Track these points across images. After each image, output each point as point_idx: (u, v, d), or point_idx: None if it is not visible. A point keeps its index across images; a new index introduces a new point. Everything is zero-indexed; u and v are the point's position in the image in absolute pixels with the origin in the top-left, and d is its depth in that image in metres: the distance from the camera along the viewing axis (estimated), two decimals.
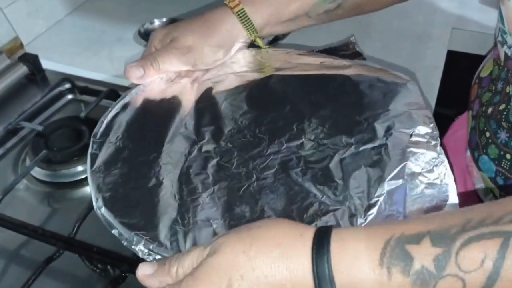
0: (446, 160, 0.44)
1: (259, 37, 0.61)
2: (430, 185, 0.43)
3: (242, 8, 0.59)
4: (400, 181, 0.43)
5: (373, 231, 0.36)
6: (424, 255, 0.33)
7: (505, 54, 0.54)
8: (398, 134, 0.46)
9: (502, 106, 0.54)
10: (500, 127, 0.54)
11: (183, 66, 0.58)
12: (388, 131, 0.47)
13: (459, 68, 0.81)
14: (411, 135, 0.46)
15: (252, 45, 0.63)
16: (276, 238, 0.36)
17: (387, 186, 0.43)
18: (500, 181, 0.56)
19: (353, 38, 0.65)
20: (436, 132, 0.46)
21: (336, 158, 0.46)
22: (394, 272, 0.33)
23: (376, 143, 0.46)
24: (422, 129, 0.46)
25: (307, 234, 0.36)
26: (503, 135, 0.54)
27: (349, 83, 0.53)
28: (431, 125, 0.46)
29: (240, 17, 0.59)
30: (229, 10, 0.59)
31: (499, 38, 0.55)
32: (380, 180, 0.43)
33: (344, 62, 0.57)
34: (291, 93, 0.54)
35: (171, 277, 0.38)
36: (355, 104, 0.50)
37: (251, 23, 0.59)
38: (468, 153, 0.63)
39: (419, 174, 0.43)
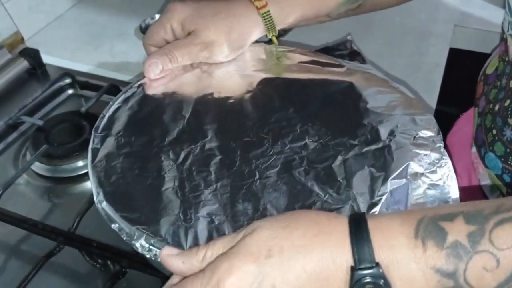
0: (449, 162, 0.44)
1: (276, 40, 0.61)
2: (432, 186, 0.43)
3: (269, 11, 0.58)
4: (403, 181, 0.43)
5: (406, 212, 0.37)
6: (458, 231, 0.34)
7: None
8: (402, 136, 0.47)
9: (507, 102, 0.54)
10: (506, 124, 0.54)
11: (198, 60, 0.58)
12: (392, 133, 0.47)
13: (461, 66, 0.81)
14: (414, 138, 0.46)
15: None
16: (313, 218, 0.37)
17: (390, 185, 0.43)
18: (507, 178, 0.56)
19: (350, 36, 0.65)
20: (440, 136, 0.46)
21: (339, 159, 0.46)
22: (429, 245, 0.34)
23: (380, 145, 0.46)
24: (426, 133, 0.46)
25: (342, 216, 0.37)
26: (508, 133, 0.54)
27: (353, 90, 0.53)
28: (435, 129, 0.47)
29: (265, 18, 0.59)
30: (253, 9, 0.59)
31: (510, 31, 0.54)
32: (383, 179, 0.43)
33: (348, 67, 0.57)
34: (295, 96, 0.54)
35: (197, 259, 0.37)
36: (359, 110, 0.51)
37: (274, 24, 0.59)
38: (474, 150, 0.63)
39: (422, 174, 0.43)
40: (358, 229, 0.35)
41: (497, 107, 0.56)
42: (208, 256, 0.37)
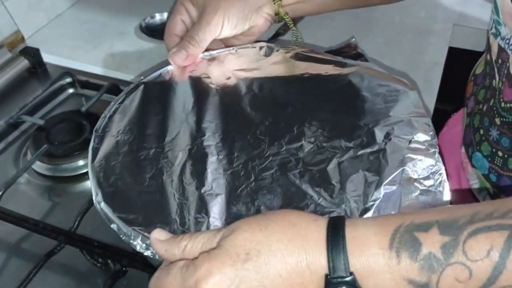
0: (443, 168, 0.44)
1: (284, 11, 0.62)
2: (425, 191, 0.43)
3: None
4: (396, 186, 0.43)
5: (383, 219, 0.37)
6: (432, 242, 0.34)
7: (499, 46, 0.54)
8: (397, 140, 0.47)
9: (492, 101, 0.54)
10: (492, 124, 0.54)
11: (216, 32, 0.59)
12: (387, 136, 0.47)
13: (460, 65, 0.81)
14: (410, 142, 0.46)
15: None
16: (291, 220, 0.37)
17: (384, 190, 0.43)
18: (493, 178, 0.56)
19: (354, 40, 0.65)
20: (435, 140, 0.46)
21: (334, 161, 0.46)
22: (403, 257, 0.34)
23: (375, 148, 0.47)
24: (422, 137, 0.47)
25: (321, 220, 0.37)
26: (494, 133, 0.54)
27: (351, 88, 0.53)
28: (431, 133, 0.47)
29: None
30: None
31: (493, 30, 0.54)
32: (377, 184, 0.44)
33: (348, 62, 0.57)
34: (293, 95, 0.54)
35: (178, 249, 0.39)
36: (356, 109, 0.51)
37: None
38: (463, 149, 0.63)
39: (415, 180, 0.44)
40: (335, 237, 0.35)
41: (485, 108, 0.56)
42: (188, 248, 0.38)
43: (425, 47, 0.82)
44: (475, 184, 0.62)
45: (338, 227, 0.36)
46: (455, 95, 0.75)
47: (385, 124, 0.48)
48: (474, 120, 0.59)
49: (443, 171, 0.44)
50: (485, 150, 0.56)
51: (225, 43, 0.63)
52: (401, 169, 0.44)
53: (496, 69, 0.54)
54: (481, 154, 0.57)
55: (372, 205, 0.42)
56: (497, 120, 0.53)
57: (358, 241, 0.35)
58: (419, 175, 0.44)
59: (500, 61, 0.54)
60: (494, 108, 0.53)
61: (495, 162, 0.55)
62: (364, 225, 0.36)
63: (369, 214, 0.42)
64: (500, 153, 0.54)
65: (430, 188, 0.43)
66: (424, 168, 0.44)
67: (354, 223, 0.36)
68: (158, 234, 0.41)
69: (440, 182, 0.43)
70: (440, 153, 0.46)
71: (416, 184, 0.43)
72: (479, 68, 0.63)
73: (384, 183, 0.43)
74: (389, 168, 0.44)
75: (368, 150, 0.46)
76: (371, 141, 0.47)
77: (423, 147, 0.46)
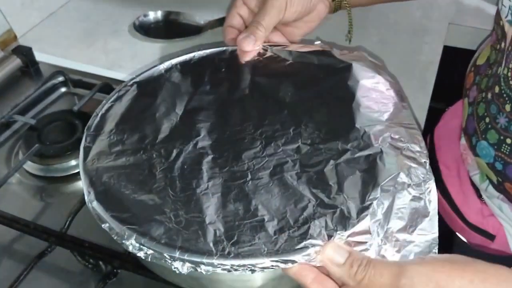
0: (433, 179, 0.45)
1: None
2: (416, 198, 0.44)
3: None
4: (391, 189, 0.44)
5: None
6: None
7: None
8: (393, 144, 0.47)
9: (497, 89, 0.54)
10: (501, 112, 0.54)
11: (278, 17, 0.60)
12: (384, 141, 0.48)
13: (455, 64, 0.81)
14: (404, 149, 0.47)
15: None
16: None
17: (381, 191, 0.43)
18: (499, 166, 0.56)
19: (319, 42, 0.64)
20: (426, 152, 0.47)
21: (331, 163, 0.46)
22: None
23: (372, 151, 0.47)
24: (414, 147, 0.48)
25: None
26: (502, 120, 0.54)
27: (347, 88, 0.53)
28: (422, 145, 0.48)
29: None
30: None
31: (508, 17, 0.54)
32: (374, 184, 0.44)
33: (342, 59, 0.57)
34: (288, 96, 0.54)
35: (354, 281, 0.38)
36: (352, 112, 0.51)
37: None
38: (463, 141, 0.63)
39: (409, 185, 0.44)
40: None
41: (489, 95, 0.56)
42: (363, 285, 0.37)
43: (420, 46, 0.81)
44: (475, 175, 0.63)
45: None
46: (450, 94, 0.75)
47: (380, 129, 0.49)
48: (478, 109, 0.59)
49: (433, 180, 0.45)
50: (491, 138, 0.56)
51: (286, 33, 0.64)
52: (397, 172, 0.45)
53: (504, 56, 0.54)
54: (487, 142, 0.57)
55: (370, 204, 0.42)
56: (507, 107, 0.53)
57: None
58: (412, 182, 0.44)
59: (510, 48, 0.54)
60: (505, 95, 0.54)
61: (502, 149, 0.55)
62: None
63: (367, 212, 0.42)
64: (508, 140, 0.54)
65: (421, 196, 0.44)
66: (417, 175, 0.45)
67: None
68: (333, 255, 0.39)
69: (430, 192, 0.44)
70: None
71: (409, 189, 0.44)
72: (480, 59, 0.63)
73: (382, 184, 0.44)
74: (386, 171, 0.45)
75: (366, 152, 0.47)
76: (368, 144, 0.48)
77: (415, 156, 0.47)
